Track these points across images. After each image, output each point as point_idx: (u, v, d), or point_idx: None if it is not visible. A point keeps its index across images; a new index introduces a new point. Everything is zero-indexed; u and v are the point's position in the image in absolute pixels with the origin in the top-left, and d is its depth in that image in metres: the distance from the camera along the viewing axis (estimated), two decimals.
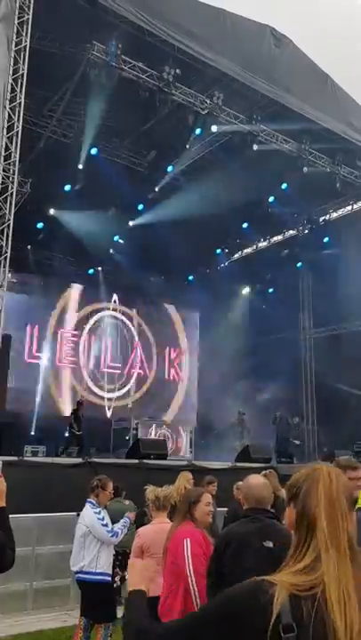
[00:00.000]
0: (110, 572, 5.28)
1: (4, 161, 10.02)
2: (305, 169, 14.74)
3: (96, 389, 19.84)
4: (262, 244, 21.48)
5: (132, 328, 21.32)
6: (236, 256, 22.33)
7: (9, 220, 10.04)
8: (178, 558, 3.47)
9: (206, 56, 12.41)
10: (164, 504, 4.46)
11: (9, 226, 10.05)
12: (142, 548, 4.37)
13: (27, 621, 6.66)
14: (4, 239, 10.07)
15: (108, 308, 20.86)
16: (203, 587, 3.20)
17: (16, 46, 10.22)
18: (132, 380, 20.92)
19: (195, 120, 13.35)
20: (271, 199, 17.87)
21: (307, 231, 19.22)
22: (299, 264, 20.31)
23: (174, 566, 3.51)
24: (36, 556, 7.58)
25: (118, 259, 19.96)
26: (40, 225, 17.59)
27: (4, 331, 10.82)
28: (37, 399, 17.94)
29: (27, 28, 10.31)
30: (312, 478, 1.39)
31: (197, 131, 13.84)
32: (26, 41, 10.29)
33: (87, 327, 20.15)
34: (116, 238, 19.39)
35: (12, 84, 10.14)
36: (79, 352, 19.88)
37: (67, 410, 17.60)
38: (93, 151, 14.65)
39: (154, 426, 15.98)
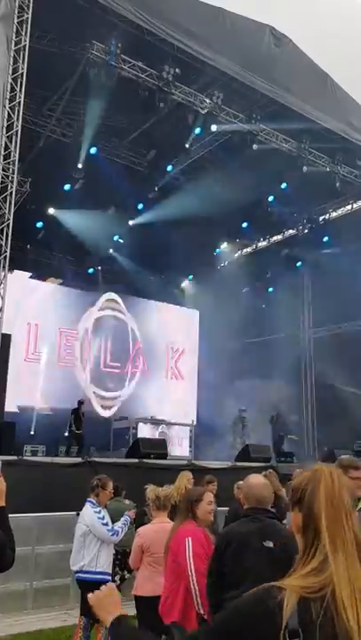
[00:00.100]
0: (110, 572, 5.27)
1: (4, 160, 10.02)
2: (305, 168, 14.76)
3: (96, 389, 19.83)
4: (262, 244, 21.53)
5: (132, 327, 21.29)
6: (236, 255, 22.34)
7: (8, 219, 10.04)
8: (179, 557, 3.47)
9: (206, 55, 12.40)
10: (165, 504, 4.46)
11: (8, 225, 10.06)
12: (142, 548, 4.37)
13: (26, 621, 6.65)
14: (4, 238, 10.07)
15: (108, 308, 20.84)
16: (203, 586, 3.19)
17: (15, 45, 10.24)
18: (132, 380, 20.91)
19: (194, 119, 13.37)
20: (271, 199, 17.88)
21: (306, 230, 19.23)
22: (299, 263, 20.27)
23: (175, 565, 3.51)
24: (36, 556, 7.58)
25: (118, 258, 19.96)
26: (39, 224, 17.56)
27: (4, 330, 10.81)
28: (37, 399, 17.92)
29: (26, 28, 10.32)
30: (314, 480, 1.39)
31: (197, 130, 13.85)
32: (25, 40, 10.31)
33: (87, 327, 20.13)
34: (115, 238, 19.37)
35: (11, 84, 10.16)
36: (79, 351, 19.86)
37: (66, 409, 17.56)
38: (93, 150, 14.64)
39: (154, 425, 15.99)
